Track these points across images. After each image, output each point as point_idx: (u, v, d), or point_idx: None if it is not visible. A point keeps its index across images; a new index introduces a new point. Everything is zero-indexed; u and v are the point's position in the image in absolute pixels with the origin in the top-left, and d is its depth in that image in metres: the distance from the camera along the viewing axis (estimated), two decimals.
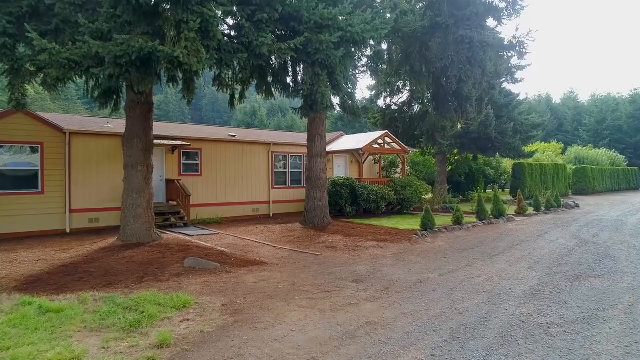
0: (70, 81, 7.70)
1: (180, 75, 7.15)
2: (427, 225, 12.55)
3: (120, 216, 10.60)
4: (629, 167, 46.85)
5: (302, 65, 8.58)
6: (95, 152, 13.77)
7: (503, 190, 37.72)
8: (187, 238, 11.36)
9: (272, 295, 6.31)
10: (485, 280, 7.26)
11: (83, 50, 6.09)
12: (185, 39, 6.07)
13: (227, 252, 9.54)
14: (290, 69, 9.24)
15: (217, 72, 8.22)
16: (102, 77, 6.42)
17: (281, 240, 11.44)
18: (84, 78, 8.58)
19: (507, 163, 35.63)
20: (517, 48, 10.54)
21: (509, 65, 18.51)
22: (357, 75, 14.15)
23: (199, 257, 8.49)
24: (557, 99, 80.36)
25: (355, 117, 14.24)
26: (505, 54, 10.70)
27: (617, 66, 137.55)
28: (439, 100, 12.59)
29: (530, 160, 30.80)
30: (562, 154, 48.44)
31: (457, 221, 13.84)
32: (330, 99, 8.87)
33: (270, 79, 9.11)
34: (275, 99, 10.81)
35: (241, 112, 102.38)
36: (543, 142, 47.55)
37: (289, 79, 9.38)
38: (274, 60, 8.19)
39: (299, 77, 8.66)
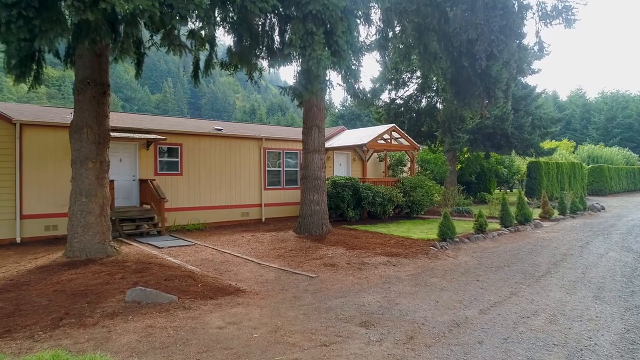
0: None
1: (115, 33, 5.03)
2: (447, 235, 10.42)
3: (67, 226, 8.50)
4: None
5: (290, 23, 6.39)
6: (53, 147, 11.66)
7: (512, 191, 35.59)
8: (154, 252, 9.25)
9: (240, 354, 4.19)
10: (547, 322, 5.13)
11: None
12: None
13: (197, 272, 7.43)
14: (276, 27, 7.07)
15: (168, 27, 6.09)
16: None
17: (269, 253, 9.33)
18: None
19: (520, 162, 33.51)
20: (564, 14, 8.45)
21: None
22: (361, 63, 11.97)
23: (153, 284, 6.38)
24: (563, 96, 78.19)
25: (361, 103, 12.11)
26: (548, 21, 8.65)
27: (624, 63, 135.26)
28: (460, 84, 10.47)
29: (544, 159, 28.67)
30: (572, 152, 46.32)
31: (480, 228, 11.70)
32: (327, 72, 6.66)
33: (247, 38, 6.90)
34: (256, 71, 8.62)
35: (240, 111, 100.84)
36: (553, 140, 45.41)
37: (275, 44, 7.20)
38: (252, 14, 6.02)
39: (287, 38, 6.47)
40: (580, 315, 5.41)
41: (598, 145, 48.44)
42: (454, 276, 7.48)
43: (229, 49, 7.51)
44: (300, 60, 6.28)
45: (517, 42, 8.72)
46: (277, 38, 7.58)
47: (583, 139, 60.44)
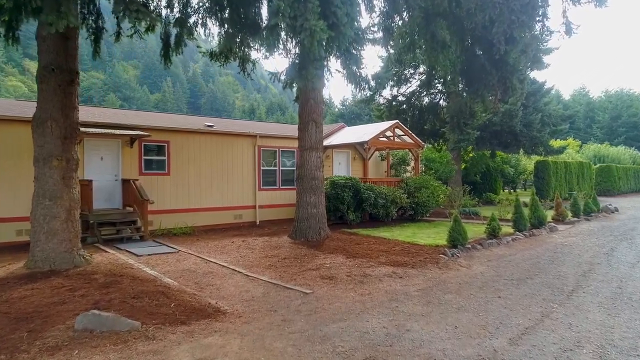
0: None
1: None
2: (457, 240, 9.41)
3: (30, 232, 7.50)
4: None
5: None
6: (26, 144, 10.48)
7: (516, 191, 34.56)
8: (130, 260, 8.25)
9: None
10: (597, 358, 4.12)
11: None
12: None
13: (173, 287, 6.43)
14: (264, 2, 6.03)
15: None
16: None
17: (260, 263, 8.33)
18: None
19: (526, 161, 32.52)
20: None
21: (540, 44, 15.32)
22: (363, 48, 10.94)
23: (117, 304, 5.38)
24: (566, 95, 77.08)
25: (363, 93, 11.11)
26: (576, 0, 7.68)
27: (627, 62, 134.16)
28: (472, 74, 9.49)
29: (552, 158, 27.66)
30: (578, 151, 45.28)
31: (493, 233, 10.69)
32: (323, 52, 5.60)
33: (226, 11, 5.87)
34: (249, 63, 7.63)
35: (239, 110, 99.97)
36: (558, 139, 44.38)
37: (263, 19, 6.16)
38: None
39: (274, 4, 5.37)
40: (634, 346, 4.40)
41: (604, 145, 47.38)
42: (470, 291, 6.47)
43: (204, 22, 6.53)
44: (291, 37, 5.30)
45: (541, 25, 7.75)
46: (264, 14, 6.59)
47: (587, 138, 59.41)
